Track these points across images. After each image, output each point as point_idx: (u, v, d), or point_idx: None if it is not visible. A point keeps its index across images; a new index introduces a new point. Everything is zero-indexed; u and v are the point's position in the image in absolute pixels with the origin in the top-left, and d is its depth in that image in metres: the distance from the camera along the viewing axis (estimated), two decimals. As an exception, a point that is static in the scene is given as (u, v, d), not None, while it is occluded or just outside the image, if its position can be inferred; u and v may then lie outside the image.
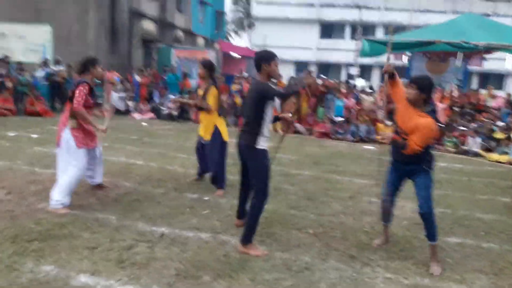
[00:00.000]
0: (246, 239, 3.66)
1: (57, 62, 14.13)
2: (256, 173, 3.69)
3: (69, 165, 4.43)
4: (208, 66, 5.41)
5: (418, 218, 4.84)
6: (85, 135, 4.56)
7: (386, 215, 4.03)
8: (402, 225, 4.64)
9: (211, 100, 5.29)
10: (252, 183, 3.75)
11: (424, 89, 3.45)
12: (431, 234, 3.65)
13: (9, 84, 12.18)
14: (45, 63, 13.62)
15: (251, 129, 3.68)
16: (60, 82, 13.45)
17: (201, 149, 5.65)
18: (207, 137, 5.40)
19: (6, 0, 17.13)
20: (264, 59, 3.69)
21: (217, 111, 5.39)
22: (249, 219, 3.70)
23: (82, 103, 4.40)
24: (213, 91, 5.29)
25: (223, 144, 5.38)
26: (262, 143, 3.66)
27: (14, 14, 17.06)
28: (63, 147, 4.45)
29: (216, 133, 5.33)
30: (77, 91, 4.42)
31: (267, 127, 3.70)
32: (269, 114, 3.68)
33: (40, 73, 13.22)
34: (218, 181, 5.42)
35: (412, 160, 3.59)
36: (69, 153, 4.44)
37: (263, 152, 3.67)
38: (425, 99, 3.49)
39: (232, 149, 8.24)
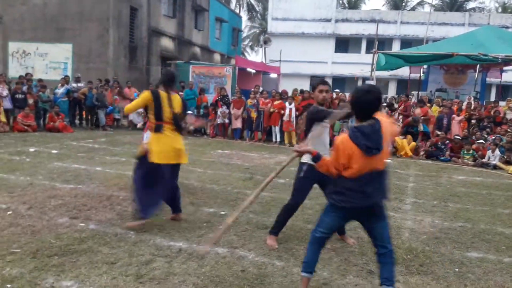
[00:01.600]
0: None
1: (77, 80, 14.46)
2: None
3: None
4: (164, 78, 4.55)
5: (437, 233, 4.80)
6: None
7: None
8: (421, 239, 4.57)
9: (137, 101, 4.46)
10: None
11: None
12: None
13: (30, 100, 12.51)
14: (65, 80, 13.94)
15: None
16: (80, 99, 13.75)
17: (154, 176, 4.39)
18: (184, 159, 4.58)
19: (30, 21, 17.69)
20: (312, 87, 4.21)
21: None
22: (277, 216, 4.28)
23: None
24: (144, 94, 4.44)
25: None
26: (305, 157, 3.91)
27: (37, 34, 17.62)
28: None
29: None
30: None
31: (311, 143, 3.76)
32: (312, 132, 3.77)
33: (60, 90, 13.53)
34: (178, 204, 4.77)
35: None
36: None
37: (301, 165, 4.09)
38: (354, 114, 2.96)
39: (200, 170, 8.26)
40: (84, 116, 14.33)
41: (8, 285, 3.09)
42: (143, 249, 3.87)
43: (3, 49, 17.98)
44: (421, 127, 11.74)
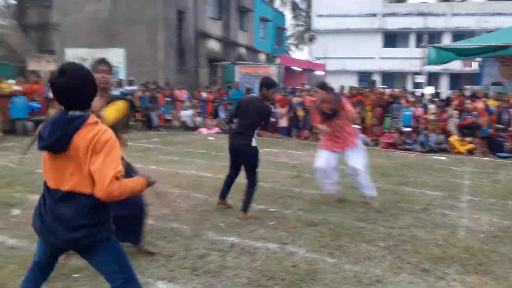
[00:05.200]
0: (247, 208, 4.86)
1: (130, 83, 15.04)
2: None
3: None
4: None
5: (496, 231, 4.62)
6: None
7: None
8: (479, 238, 4.42)
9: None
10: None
11: None
12: None
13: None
14: (119, 84, 14.53)
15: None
16: (134, 101, 14.28)
17: None
18: None
19: (84, 28, 18.57)
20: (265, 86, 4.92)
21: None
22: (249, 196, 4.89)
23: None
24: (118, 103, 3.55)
25: None
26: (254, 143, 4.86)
27: (91, 40, 18.46)
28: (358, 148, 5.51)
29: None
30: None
31: None
32: None
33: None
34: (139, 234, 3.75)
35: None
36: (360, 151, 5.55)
37: (256, 148, 4.87)
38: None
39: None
40: (138, 117, 14.86)
41: (75, 275, 3.30)
42: (198, 243, 4.00)
43: (61, 56, 18.98)
44: (479, 133, 11.05)
